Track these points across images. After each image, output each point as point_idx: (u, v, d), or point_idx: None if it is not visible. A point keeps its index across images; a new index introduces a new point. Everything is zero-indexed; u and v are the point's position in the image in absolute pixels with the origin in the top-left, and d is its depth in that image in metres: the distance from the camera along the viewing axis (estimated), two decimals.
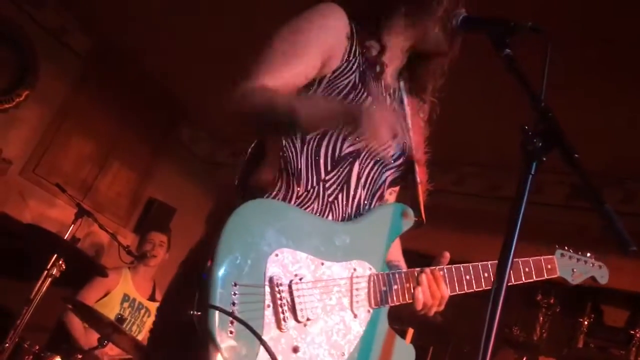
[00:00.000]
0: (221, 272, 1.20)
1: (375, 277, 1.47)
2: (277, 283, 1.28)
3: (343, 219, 1.47)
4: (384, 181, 1.57)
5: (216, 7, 4.11)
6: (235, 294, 1.21)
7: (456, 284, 1.56)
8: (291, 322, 1.29)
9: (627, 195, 4.31)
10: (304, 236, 1.36)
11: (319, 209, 1.43)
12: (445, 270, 1.55)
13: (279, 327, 1.27)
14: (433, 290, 1.50)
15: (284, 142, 1.44)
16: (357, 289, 1.43)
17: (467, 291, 1.57)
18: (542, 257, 1.75)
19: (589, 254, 1.91)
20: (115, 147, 5.55)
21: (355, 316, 1.41)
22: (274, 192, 1.41)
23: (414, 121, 1.65)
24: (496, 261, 1.71)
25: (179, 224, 5.59)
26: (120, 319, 3.32)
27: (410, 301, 1.49)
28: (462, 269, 1.57)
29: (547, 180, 4.47)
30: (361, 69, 1.51)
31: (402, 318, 1.58)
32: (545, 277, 1.74)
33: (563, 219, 4.45)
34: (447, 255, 1.58)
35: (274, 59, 1.42)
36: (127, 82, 5.51)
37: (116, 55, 5.36)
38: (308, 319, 1.32)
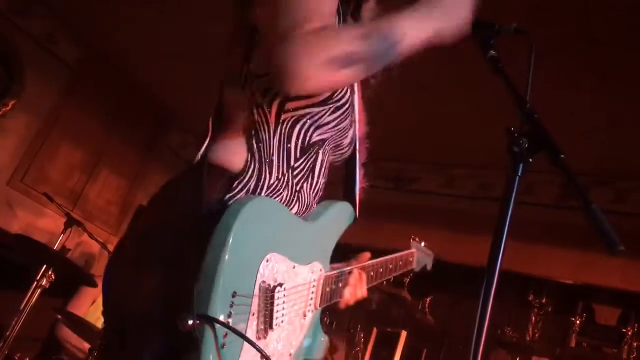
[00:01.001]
0: (223, 281, 1.12)
1: (323, 278, 1.48)
2: (264, 290, 1.24)
3: (306, 209, 1.45)
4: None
5: (204, 14, 4.10)
6: (232, 304, 1.14)
7: (379, 277, 1.71)
8: (268, 330, 1.26)
9: (618, 194, 4.33)
10: (286, 238, 1.32)
11: (287, 199, 1.38)
12: (369, 268, 1.66)
13: (259, 336, 1.24)
14: (356, 290, 1.58)
15: (256, 116, 1.33)
16: (312, 292, 1.44)
17: (385, 278, 1.76)
18: (406, 252, 1.95)
19: (423, 243, 2.13)
20: (103, 155, 5.53)
21: (305, 317, 1.42)
22: (246, 178, 1.30)
23: (360, 115, 1.61)
24: (409, 250, 1.95)
25: None
26: None
27: (339, 299, 1.55)
28: (383, 262, 1.72)
29: (537, 181, 4.49)
30: None
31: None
32: (406, 269, 1.94)
33: (554, 219, 4.47)
34: (368, 254, 1.68)
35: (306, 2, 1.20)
36: (115, 89, 5.49)
37: (103, 63, 5.34)
38: (278, 326, 1.29)
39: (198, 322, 1.09)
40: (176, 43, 4.64)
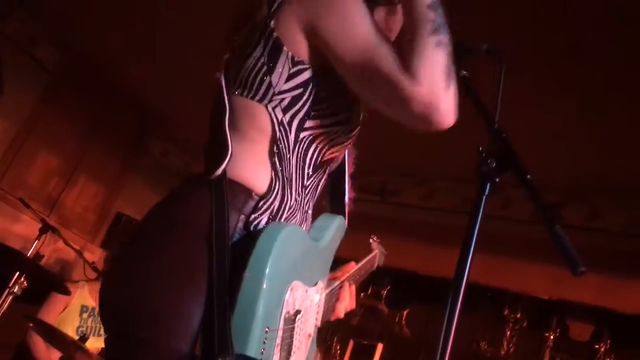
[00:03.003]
0: (261, 320, 1.09)
1: (324, 297, 1.46)
2: (288, 321, 1.21)
3: (310, 227, 1.43)
4: None
5: (189, 18, 4.09)
6: (265, 341, 1.11)
7: (356, 284, 1.67)
8: (289, 358, 1.25)
9: (592, 211, 4.37)
10: (303, 263, 1.29)
11: (300, 221, 1.35)
12: (352, 278, 1.64)
13: None
14: (348, 304, 1.56)
15: (277, 133, 1.26)
16: (317, 312, 1.42)
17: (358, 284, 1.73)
18: (372, 255, 1.93)
19: (378, 240, 2.07)
20: (82, 161, 5.47)
21: (309, 337, 1.41)
22: (271, 199, 1.24)
23: None
24: (374, 252, 1.94)
25: None
26: (83, 338, 3.25)
27: (331, 314, 1.53)
28: (359, 270, 1.72)
29: (515, 196, 4.51)
30: None
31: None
32: (370, 272, 1.92)
33: (530, 234, 4.50)
34: (353, 264, 1.67)
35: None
36: (95, 95, 5.45)
37: (84, 68, 5.31)
38: (294, 352, 1.27)
39: None
40: (160, 48, 4.62)
